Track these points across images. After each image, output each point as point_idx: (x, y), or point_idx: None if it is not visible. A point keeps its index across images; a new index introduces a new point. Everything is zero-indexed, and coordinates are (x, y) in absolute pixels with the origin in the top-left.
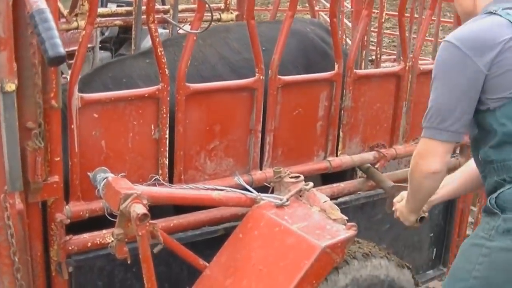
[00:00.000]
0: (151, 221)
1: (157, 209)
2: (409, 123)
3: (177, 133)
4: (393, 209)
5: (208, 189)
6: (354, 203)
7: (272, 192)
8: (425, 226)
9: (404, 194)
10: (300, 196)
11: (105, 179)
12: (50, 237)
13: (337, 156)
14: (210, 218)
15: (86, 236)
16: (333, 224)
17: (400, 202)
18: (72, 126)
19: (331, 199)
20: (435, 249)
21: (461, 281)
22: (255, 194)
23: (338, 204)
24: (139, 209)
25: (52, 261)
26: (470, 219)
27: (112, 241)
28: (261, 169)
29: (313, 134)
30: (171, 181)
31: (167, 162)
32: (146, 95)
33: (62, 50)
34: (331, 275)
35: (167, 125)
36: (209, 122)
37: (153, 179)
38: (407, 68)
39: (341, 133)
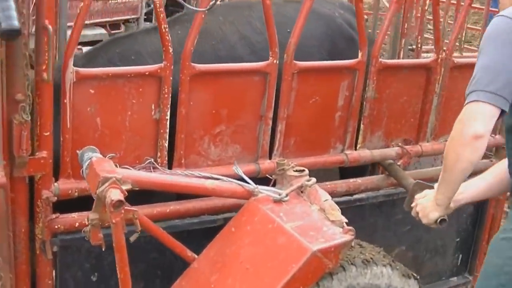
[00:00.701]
0: (130, 208)
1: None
2: (439, 119)
3: (179, 114)
4: (413, 205)
5: (204, 177)
6: (371, 201)
7: (274, 185)
8: (451, 230)
9: (427, 192)
10: (302, 192)
11: (89, 159)
12: (35, 214)
13: (355, 149)
14: (210, 207)
15: (74, 215)
16: (330, 226)
17: (423, 198)
18: (65, 101)
19: (347, 195)
20: (461, 255)
21: (493, 277)
22: (253, 186)
23: (353, 201)
24: (115, 195)
25: (37, 238)
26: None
27: (87, 225)
28: (270, 158)
29: (331, 125)
30: (171, 165)
31: (166, 145)
32: (147, 73)
33: (15, 23)
34: (323, 281)
35: (169, 106)
36: (216, 105)
37: (147, 161)
38: (439, 60)
39: (361, 126)
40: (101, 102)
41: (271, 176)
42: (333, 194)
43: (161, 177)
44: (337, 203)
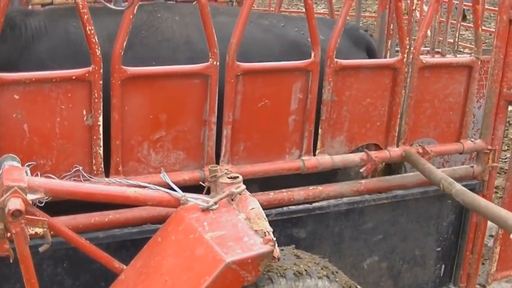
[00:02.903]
0: (37, 218)
1: None
2: (409, 123)
3: (112, 120)
4: None
5: (130, 185)
6: (334, 209)
7: (208, 193)
8: (430, 239)
9: None
10: (232, 200)
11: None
12: None
13: (314, 155)
14: (152, 216)
15: None
16: (253, 236)
17: None
18: None
19: (305, 203)
20: (443, 266)
21: None
22: (180, 194)
23: (312, 210)
24: (13, 204)
25: None
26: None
27: None
28: (217, 165)
29: (284, 130)
30: (108, 173)
31: (101, 152)
32: (74, 78)
33: None
34: None
35: (101, 111)
36: (153, 110)
37: (74, 170)
38: (404, 60)
39: (320, 130)
40: (27, 108)
41: (204, 184)
42: (290, 202)
43: (78, 185)
44: (296, 211)
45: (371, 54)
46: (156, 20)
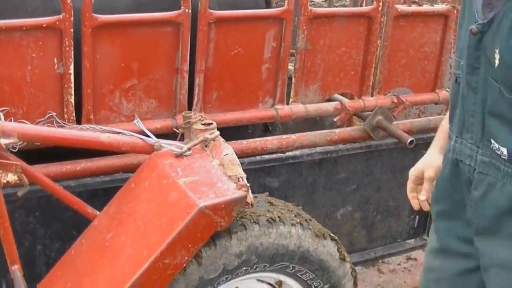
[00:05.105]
0: (10, 162)
1: None
2: (384, 72)
3: (83, 69)
4: None
5: (104, 131)
6: (307, 159)
7: (182, 139)
8: (404, 190)
9: None
10: (206, 146)
11: None
12: None
13: (288, 104)
14: (124, 164)
15: None
16: (226, 181)
17: None
18: None
19: (279, 152)
20: (417, 217)
21: None
22: (154, 140)
23: (285, 159)
24: None
25: None
26: None
27: None
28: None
29: (258, 78)
30: (80, 122)
31: (72, 100)
32: (45, 25)
33: None
34: (221, 240)
35: (71, 59)
36: (125, 59)
37: (47, 116)
38: (379, 8)
39: (293, 79)
40: None
41: (178, 130)
42: (263, 151)
43: (51, 130)
44: (269, 160)
45: None
46: None
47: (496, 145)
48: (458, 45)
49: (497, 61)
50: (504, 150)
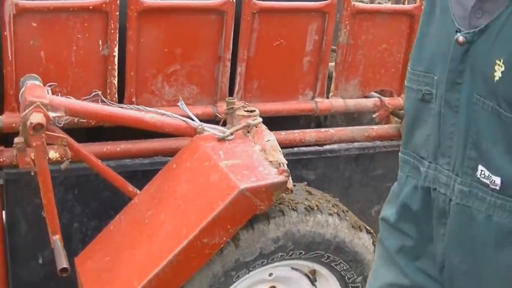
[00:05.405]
0: (57, 134)
1: None
2: None
3: (128, 52)
4: None
5: (148, 111)
6: (344, 153)
7: (224, 125)
8: None
9: None
10: (248, 132)
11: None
12: None
13: (327, 98)
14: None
15: None
16: (267, 166)
17: None
18: (5, 33)
19: (316, 145)
20: None
21: None
22: (198, 123)
23: (323, 152)
24: (35, 118)
25: None
26: None
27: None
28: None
29: (299, 70)
30: (121, 103)
31: (115, 82)
32: (91, 7)
33: None
34: (259, 224)
35: (116, 42)
36: (169, 44)
37: (93, 94)
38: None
39: (333, 73)
40: (44, 36)
41: (221, 116)
42: (302, 143)
43: (96, 106)
44: (306, 152)
45: None
46: None
47: (487, 173)
48: (421, 56)
49: (498, 75)
50: (497, 179)
